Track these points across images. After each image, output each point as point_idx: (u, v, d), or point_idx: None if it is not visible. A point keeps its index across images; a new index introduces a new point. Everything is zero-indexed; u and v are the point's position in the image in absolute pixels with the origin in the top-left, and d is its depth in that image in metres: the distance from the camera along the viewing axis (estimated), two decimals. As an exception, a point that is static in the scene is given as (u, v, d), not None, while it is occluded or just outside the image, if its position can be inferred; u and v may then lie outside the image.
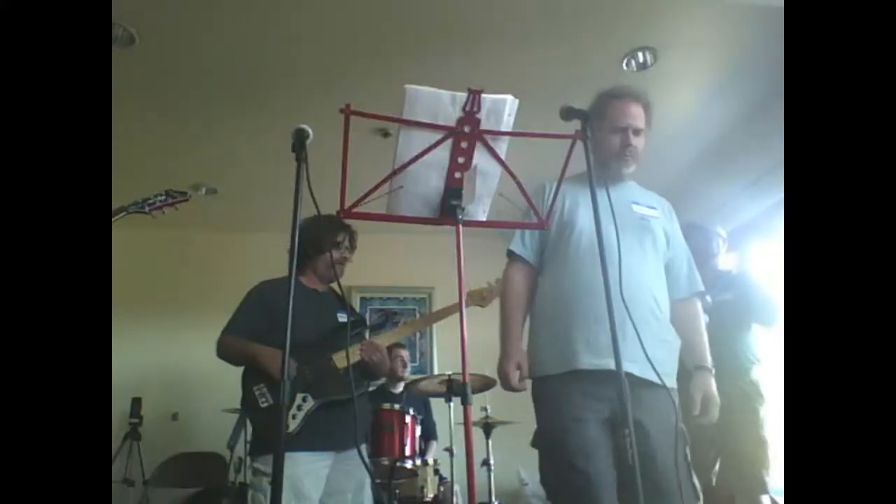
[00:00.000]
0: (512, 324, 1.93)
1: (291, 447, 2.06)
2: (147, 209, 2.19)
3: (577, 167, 1.68)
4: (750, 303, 2.98)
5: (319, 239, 2.42)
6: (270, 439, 2.10)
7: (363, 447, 2.36)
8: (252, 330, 2.31)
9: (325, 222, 2.26)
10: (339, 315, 2.42)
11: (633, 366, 1.63)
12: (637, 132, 1.96)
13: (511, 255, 2.01)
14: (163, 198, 2.23)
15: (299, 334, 2.17)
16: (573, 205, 1.95)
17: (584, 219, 1.89)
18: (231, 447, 3.31)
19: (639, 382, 1.66)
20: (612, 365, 1.39)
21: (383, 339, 2.46)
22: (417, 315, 4.92)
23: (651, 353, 1.58)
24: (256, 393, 2.22)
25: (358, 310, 4.88)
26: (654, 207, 2.02)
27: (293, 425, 2.14)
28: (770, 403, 2.89)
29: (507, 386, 1.88)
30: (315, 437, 2.15)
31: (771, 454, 2.82)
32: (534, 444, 1.92)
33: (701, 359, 1.94)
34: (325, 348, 2.28)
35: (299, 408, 2.18)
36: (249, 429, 2.61)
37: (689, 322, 1.98)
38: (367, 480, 2.31)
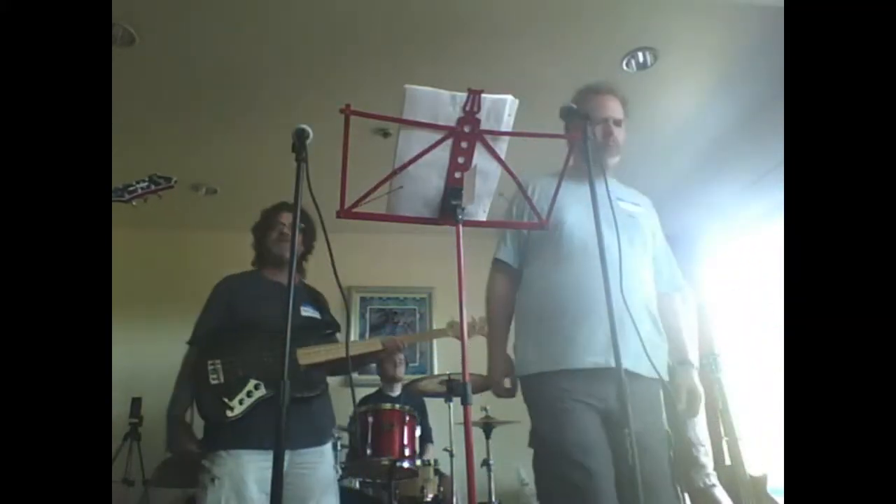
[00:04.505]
0: (496, 333, 1.98)
1: (234, 445, 1.98)
2: (127, 197, 1.97)
3: (557, 164, 1.68)
4: None
5: (262, 225, 2.43)
6: (211, 423, 2.04)
7: (329, 445, 2.21)
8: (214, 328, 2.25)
9: (269, 208, 2.33)
10: (303, 309, 2.27)
11: (626, 360, 1.61)
12: (617, 123, 2.00)
13: (496, 261, 2.03)
14: (145, 184, 2.01)
15: (261, 322, 2.12)
16: (560, 202, 1.89)
17: (573, 215, 1.90)
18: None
19: (629, 377, 1.63)
20: (609, 362, 1.41)
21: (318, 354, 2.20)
22: (417, 315, 4.92)
23: (647, 350, 1.60)
24: (210, 367, 2.06)
25: (357, 310, 4.87)
26: (638, 204, 2.05)
27: (238, 409, 2.00)
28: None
29: (498, 394, 1.95)
30: (265, 435, 1.90)
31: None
32: (531, 443, 1.91)
33: (683, 353, 1.99)
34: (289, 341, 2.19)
35: (249, 394, 2.03)
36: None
37: (669, 317, 2.01)
38: (333, 482, 2.16)
